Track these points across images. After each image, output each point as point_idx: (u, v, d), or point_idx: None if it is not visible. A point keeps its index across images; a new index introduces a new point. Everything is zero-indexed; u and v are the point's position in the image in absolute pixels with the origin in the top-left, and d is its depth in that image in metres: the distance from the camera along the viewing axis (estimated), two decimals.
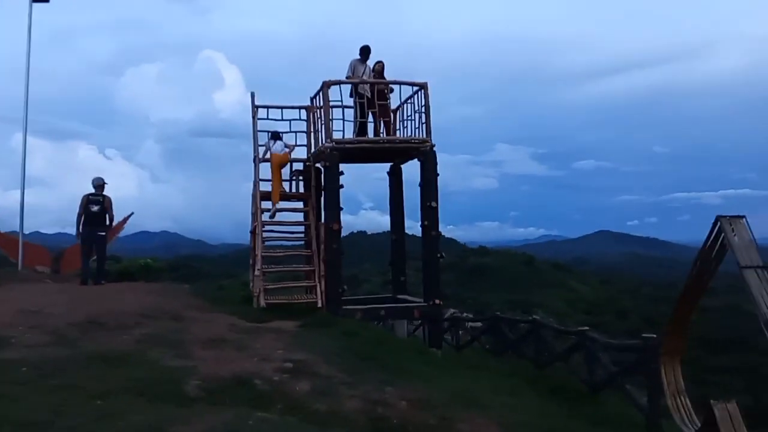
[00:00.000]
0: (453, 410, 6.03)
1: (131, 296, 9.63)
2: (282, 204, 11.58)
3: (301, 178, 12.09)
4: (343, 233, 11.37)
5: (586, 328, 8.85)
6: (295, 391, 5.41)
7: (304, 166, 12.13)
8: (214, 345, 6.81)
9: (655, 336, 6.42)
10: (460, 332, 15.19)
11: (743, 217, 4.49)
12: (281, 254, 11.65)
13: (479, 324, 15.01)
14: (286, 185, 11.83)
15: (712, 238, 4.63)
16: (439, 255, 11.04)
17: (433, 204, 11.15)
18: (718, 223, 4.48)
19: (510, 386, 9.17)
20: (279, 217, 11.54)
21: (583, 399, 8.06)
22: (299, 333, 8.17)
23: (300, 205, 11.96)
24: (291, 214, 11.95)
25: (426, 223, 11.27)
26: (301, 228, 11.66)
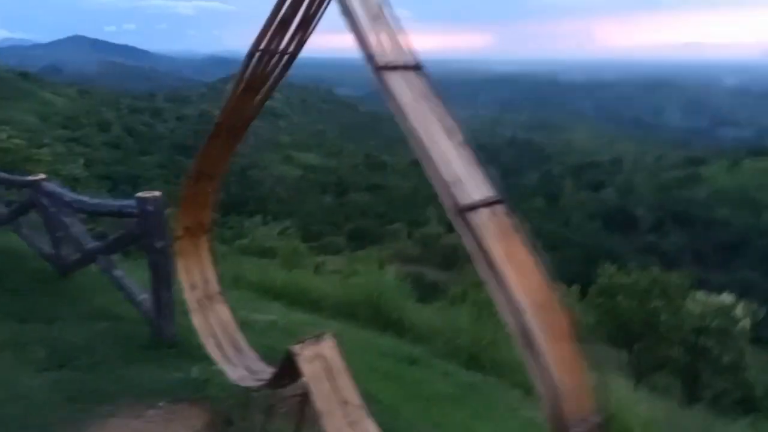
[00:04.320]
0: None
1: None
2: None
3: None
4: None
5: (42, 176, 5.31)
6: None
7: None
8: None
9: (159, 194, 3.70)
10: None
11: None
12: None
13: None
14: None
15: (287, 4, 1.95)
16: None
17: None
18: None
19: None
20: None
21: (49, 290, 4.87)
22: None
23: None
24: None
25: None
26: None
